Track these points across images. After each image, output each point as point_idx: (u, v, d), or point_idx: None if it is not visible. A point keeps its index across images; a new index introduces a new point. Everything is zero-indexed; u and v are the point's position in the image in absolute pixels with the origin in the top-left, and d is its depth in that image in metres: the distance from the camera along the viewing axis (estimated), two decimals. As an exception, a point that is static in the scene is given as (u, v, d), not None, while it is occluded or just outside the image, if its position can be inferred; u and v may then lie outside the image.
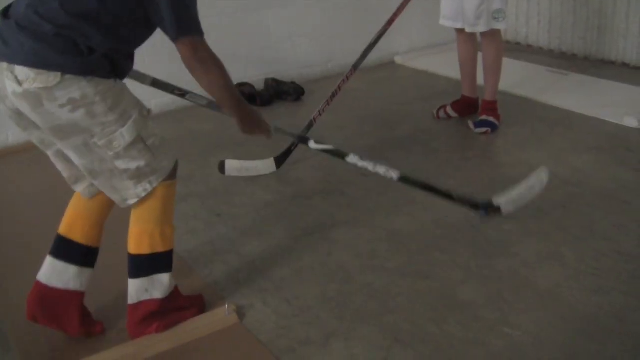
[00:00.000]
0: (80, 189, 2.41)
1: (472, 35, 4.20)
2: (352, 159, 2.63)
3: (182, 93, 2.91)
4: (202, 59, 2.18)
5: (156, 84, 3.00)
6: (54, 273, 2.41)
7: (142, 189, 2.27)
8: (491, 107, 4.18)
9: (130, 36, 2.18)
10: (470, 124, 4.16)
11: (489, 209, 2.53)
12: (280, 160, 3.73)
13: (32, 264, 2.49)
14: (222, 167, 3.71)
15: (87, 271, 2.45)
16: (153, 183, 2.28)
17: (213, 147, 4.13)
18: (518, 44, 6.02)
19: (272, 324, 2.49)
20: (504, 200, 2.53)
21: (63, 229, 2.44)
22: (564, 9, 5.54)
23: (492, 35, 4.02)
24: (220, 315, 2.52)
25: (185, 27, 2.13)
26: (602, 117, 4.20)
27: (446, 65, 5.17)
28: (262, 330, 2.46)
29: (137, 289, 2.38)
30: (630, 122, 4.04)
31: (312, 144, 2.72)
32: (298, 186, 3.56)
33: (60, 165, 2.36)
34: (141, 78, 2.93)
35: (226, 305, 2.53)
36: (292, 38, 5.28)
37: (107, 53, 2.10)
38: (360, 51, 3.94)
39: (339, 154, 2.68)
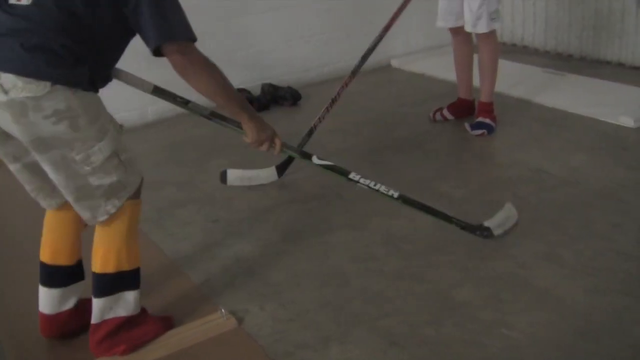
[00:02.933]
0: (44, 203, 2.38)
1: (468, 37, 4.20)
2: (353, 176, 2.75)
3: (184, 101, 2.64)
4: (194, 65, 2.19)
5: (157, 91, 2.75)
6: (54, 301, 2.43)
7: (112, 205, 2.21)
8: (487, 109, 4.18)
9: (110, 48, 2.21)
10: (467, 126, 4.16)
11: (484, 231, 2.90)
12: (281, 169, 3.72)
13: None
14: (223, 177, 3.71)
15: (80, 284, 2.49)
16: (122, 199, 2.23)
17: (210, 152, 4.13)
18: (514, 45, 6.02)
19: (269, 329, 2.48)
20: (493, 224, 2.92)
21: (47, 257, 2.43)
22: (559, 9, 5.54)
23: (489, 36, 4.02)
24: (218, 320, 2.51)
25: (170, 33, 2.13)
26: (598, 116, 4.20)
27: (442, 67, 5.17)
28: (259, 334, 2.45)
29: (102, 308, 2.31)
30: (626, 121, 4.04)
31: (315, 160, 2.77)
32: (295, 191, 3.56)
33: (25, 177, 2.31)
34: (141, 84, 2.78)
35: (222, 310, 2.53)
36: (288, 42, 5.29)
37: (90, 65, 2.09)
38: (357, 54, 3.94)
39: (341, 172, 2.77)
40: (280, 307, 2.60)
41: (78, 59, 2.05)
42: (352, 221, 3.20)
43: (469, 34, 4.13)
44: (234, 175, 3.71)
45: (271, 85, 5.05)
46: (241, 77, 5.05)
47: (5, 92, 1.97)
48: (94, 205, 2.19)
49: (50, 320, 2.45)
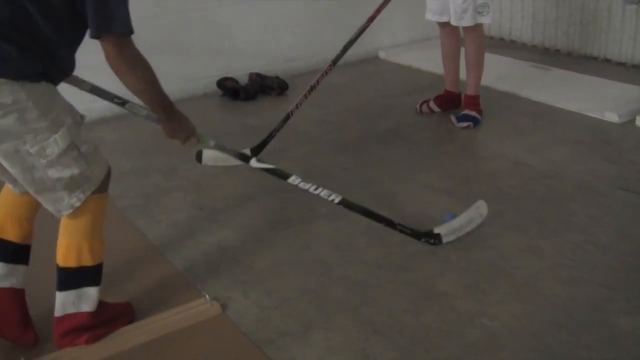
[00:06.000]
0: (11, 187, 2.35)
1: (456, 30, 4.22)
2: (293, 180, 2.76)
3: (121, 102, 2.59)
4: (127, 59, 2.12)
5: (95, 90, 2.66)
6: None
7: (76, 198, 2.19)
8: (473, 102, 4.21)
9: (62, 39, 2.13)
10: (453, 118, 4.19)
11: (430, 238, 2.84)
12: (256, 151, 3.75)
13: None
14: (199, 157, 3.79)
15: (21, 268, 2.40)
16: (86, 192, 2.21)
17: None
18: (502, 39, 6.05)
19: (252, 316, 2.51)
20: (445, 230, 2.84)
21: None
22: (547, 4, 5.57)
23: (475, 29, 4.04)
24: (202, 306, 2.54)
25: (107, 25, 2.05)
26: (583, 111, 4.24)
27: (429, 60, 5.19)
28: (242, 321, 2.48)
29: (63, 302, 2.30)
30: (610, 116, 4.09)
31: (253, 163, 2.80)
32: (279, 179, 3.56)
33: None
34: (79, 83, 2.60)
35: (206, 296, 2.56)
36: (276, 32, 5.29)
37: (40, 56, 2.05)
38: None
39: (281, 175, 2.79)
40: (264, 294, 2.63)
41: (23, 50, 2.01)
42: (334, 211, 3.19)
43: (456, 27, 4.15)
44: (209, 155, 3.79)
45: (259, 75, 5.05)
46: (229, 66, 5.07)
47: None
48: (56, 198, 2.18)
49: None
